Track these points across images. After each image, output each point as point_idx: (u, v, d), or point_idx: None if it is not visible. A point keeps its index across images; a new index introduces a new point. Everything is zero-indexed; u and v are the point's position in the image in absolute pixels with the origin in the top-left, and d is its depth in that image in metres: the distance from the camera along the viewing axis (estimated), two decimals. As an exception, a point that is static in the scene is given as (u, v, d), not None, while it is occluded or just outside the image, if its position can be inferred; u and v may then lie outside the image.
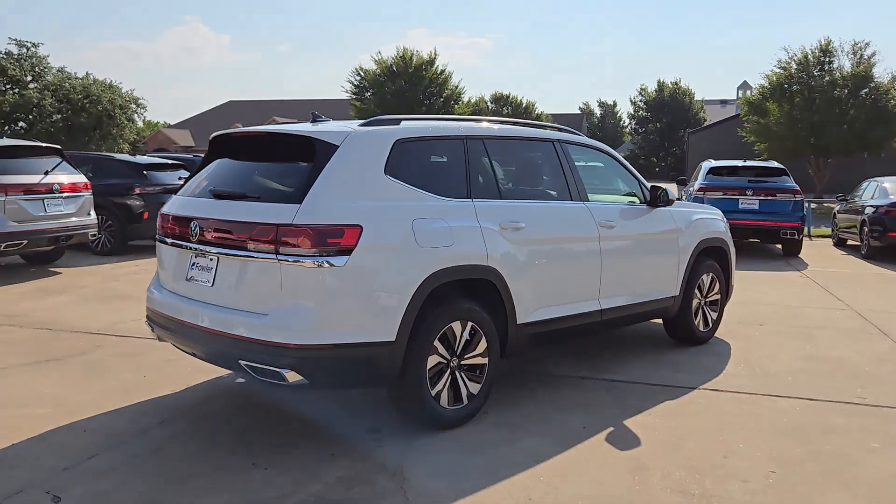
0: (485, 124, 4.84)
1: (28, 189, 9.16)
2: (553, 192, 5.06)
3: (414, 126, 4.36)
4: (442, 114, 40.50)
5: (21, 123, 29.19)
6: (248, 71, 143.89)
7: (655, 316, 5.97)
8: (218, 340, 3.89)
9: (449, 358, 4.17)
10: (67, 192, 9.63)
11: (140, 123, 37.23)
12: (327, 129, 4.14)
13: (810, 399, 4.86)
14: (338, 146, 3.94)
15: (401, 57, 40.68)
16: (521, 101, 62.46)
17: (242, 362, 3.77)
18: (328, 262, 3.67)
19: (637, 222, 5.56)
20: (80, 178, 10.02)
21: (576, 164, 5.30)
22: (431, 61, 41.10)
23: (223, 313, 3.89)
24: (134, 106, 31.89)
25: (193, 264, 4.15)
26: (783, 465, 3.78)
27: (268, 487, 3.44)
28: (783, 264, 11.95)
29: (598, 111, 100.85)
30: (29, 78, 29.73)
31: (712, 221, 6.38)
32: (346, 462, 3.73)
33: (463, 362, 4.26)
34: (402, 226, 3.93)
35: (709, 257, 6.30)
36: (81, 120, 29.25)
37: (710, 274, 6.28)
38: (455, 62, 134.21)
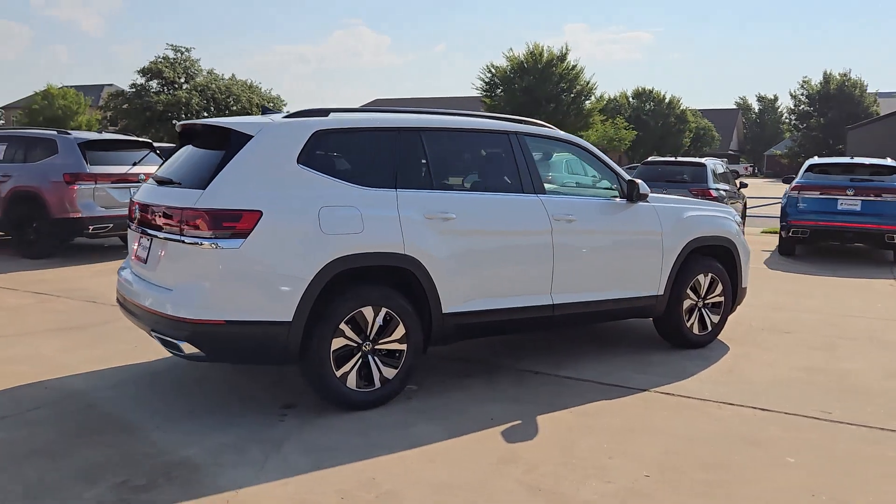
0: (427, 117, 4.91)
1: (116, 178, 10.21)
2: (501, 184, 5.03)
3: (339, 118, 4.52)
4: (571, 109, 40.01)
5: (174, 121, 32.13)
6: (403, 71, 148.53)
7: (634, 315, 5.76)
8: (141, 313, 4.28)
9: (360, 342, 4.32)
10: None
11: None
12: (250, 121, 4.41)
13: (765, 410, 4.53)
14: (252, 136, 4.20)
15: (531, 53, 40.54)
16: (663, 96, 60.14)
17: (153, 333, 4.14)
18: (223, 245, 3.94)
19: (606, 217, 5.39)
20: None
21: (550, 158, 5.25)
22: (563, 56, 40.64)
23: (146, 288, 4.28)
24: (272, 105, 34.13)
25: (139, 245, 4.58)
26: (665, 470, 3.61)
27: (145, 444, 3.76)
28: (884, 271, 10.87)
29: (756, 106, 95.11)
30: (182, 80, 32.71)
31: (712, 219, 6.03)
32: (238, 431, 3.99)
33: (378, 347, 4.39)
34: (307, 213, 4.13)
35: (708, 257, 5.97)
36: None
37: (710, 275, 5.94)
38: (609, 57, 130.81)
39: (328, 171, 4.32)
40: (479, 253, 4.72)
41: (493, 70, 41.82)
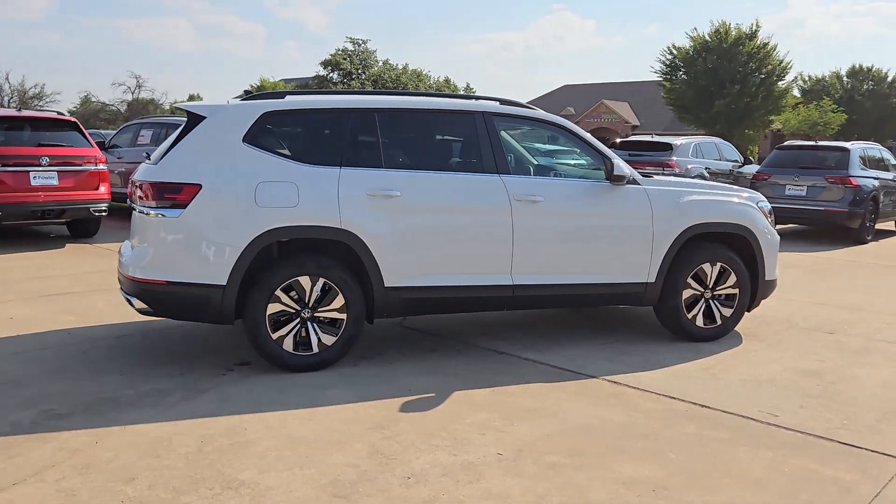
0: (384, 97, 5.10)
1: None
2: (460, 164, 5.10)
3: (291, 100, 4.86)
4: (760, 91, 37.12)
5: None
6: (609, 54, 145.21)
7: (620, 301, 5.56)
8: (119, 275, 4.94)
9: (298, 308, 4.65)
10: None
11: None
12: (211, 103, 4.87)
13: (703, 406, 4.26)
14: (205, 117, 4.67)
15: (716, 31, 38.00)
16: (885, 74, 53.60)
17: (121, 290, 4.77)
18: (165, 214, 4.46)
19: (582, 199, 5.25)
20: None
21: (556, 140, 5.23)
22: (752, 34, 37.65)
23: (125, 253, 4.92)
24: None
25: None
26: (521, 452, 3.58)
27: (97, 384, 4.38)
28: None
29: None
30: (360, 70, 34.77)
31: (720, 204, 5.61)
32: (179, 379, 4.50)
33: (317, 314, 4.70)
34: (244, 187, 4.52)
35: (718, 245, 5.58)
36: None
37: (719, 264, 5.55)
38: (847, 32, 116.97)
39: (274, 149, 4.68)
40: (427, 230, 4.85)
41: (674, 51, 39.78)
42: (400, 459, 3.47)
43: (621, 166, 5.18)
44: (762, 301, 5.96)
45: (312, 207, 4.61)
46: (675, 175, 13.05)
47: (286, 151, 4.73)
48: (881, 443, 3.78)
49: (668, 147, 13.79)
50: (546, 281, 5.16)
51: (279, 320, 4.63)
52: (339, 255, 4.75)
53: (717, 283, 5.60)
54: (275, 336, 4.62)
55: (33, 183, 9.26)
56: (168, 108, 55.60)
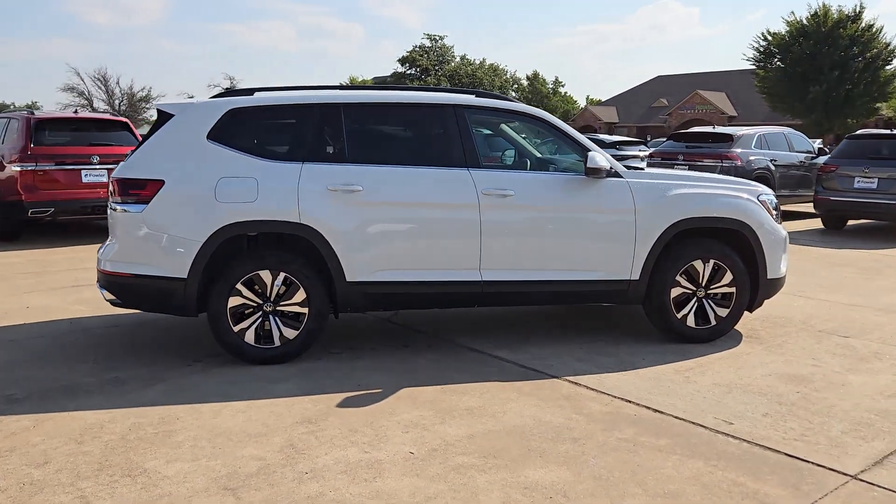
0: (351, 92, 5.09)
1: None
2: (427, 158, 5.01)
3: (257, 97, 4.92)
4: (864, 77, 34.81)
5: None
6: (709, 44, 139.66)
7: (600, 299, 5.34)
8: None
9: (259, 302, 4.73)
10: None
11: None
12: (181, 102, 5.00)
13: (658, 412, 4.04)
14: (173, 115, 4.81)
15: (814, 15, 35.88)
16: None
17: (97, 283, 4.98)
18: (130, 209, 4.63)
19: (557, 193, 5.07)
20: None
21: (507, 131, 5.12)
22: (855, 16, 35.32)
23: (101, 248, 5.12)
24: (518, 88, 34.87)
25: None
26: (435, 451, 3.50)
27: (68, 372, 4.60)
28: None
29: None
30: (436, 66, 34.89)
31: (712, 198, 5.27)
32: (143, 370, 4.66)
33: (279, 308, 4.76)
34: (206, 182, 4.63)
35: (711, 240, 5.28)
36: None
37: (712, 261, 5.24)
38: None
39: (236, 145, 4.76)
40: (390, 225, 4.83)
41: (768, 37, 37.86)
42: (309, 454, 3.46)
43: (596, 159, 4.96)
44: (769, 300, 5.60)
45: (271, 202, 4.66)
46: (736, 168, 12.44)
47: (249, 147, 4.80)
48: (834, 457, 3.47)
49: (728, 138, 13.12)
50: (518, 277, 5.03)
51: (242, 313, 4.72)
52: (302, 249, 4.78)
53: (711, 281, 5.29)
54: (236, 329, 4.71)
55: (84, 180, 9.83)
56: None
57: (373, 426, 3.80)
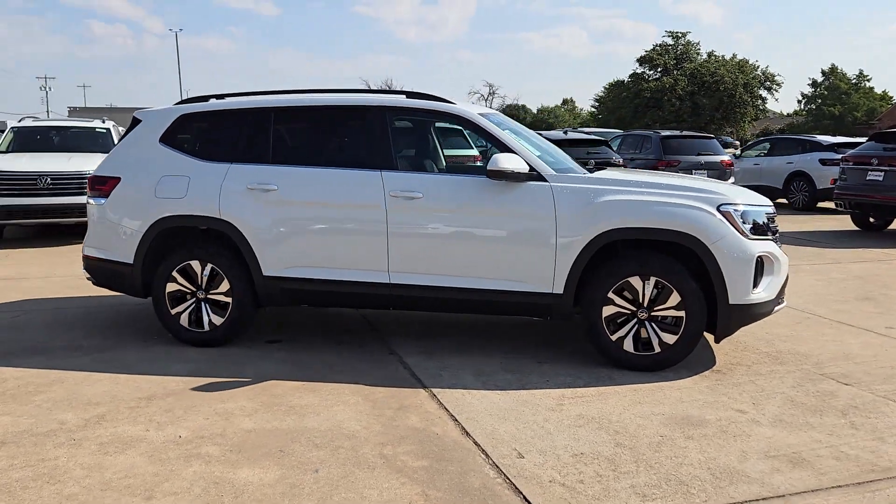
0: (283, 97, 5.32)
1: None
2: (344, 159, 5.06)
3: (208, 104, 5.39)
4: None
5: (658, 110, 32.52)
6: None
7: (523, 312, 4.94)
8: None
9: (193, 290, 5.21)
10: None
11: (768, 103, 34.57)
12: (151, 109, 5.62)
13: (466, 434, 3.74)
14: (141, 121, 5.49)
15: None
16: None
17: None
18: (94, 202, 5.40)
19: (469, 196, 4.80)
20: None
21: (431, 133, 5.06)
22: None
23: None
24: (770, 83, 31.34)
25: None
26: (245, 445, 3.66)
27: (43, 337, 5.50)
28: None
29: None
30: (674, 65, 32.74)
31: (648, 206, 4.58)
32: (99, 342, 5.40)
33: (209, 296, 5.21)
34: (150, 180, 5.23)
35: (657, 254, 4.64)
36: (703, 101, 30.73)
37: (653, 279, 4.60)
38: None
39: (182, 147, 5.29)
40: (302, 223, 5.00)
41: None
42: (105, 424, 3.82)
43: (498, 161, 4.62)
44: (740, 328, 4.74)
45: (196, 199, 5.11)
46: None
47: (191, 149, 5.29)
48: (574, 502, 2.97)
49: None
50: (428, 282, 4.88)
51: (180, 298, 5.23)
52: (227, 243, 5.16)
53: (654, 302, 4.63)
54: (173, 312, 5.24)
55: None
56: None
57: (190, 409, 4.05)
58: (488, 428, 3.80)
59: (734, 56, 32.13)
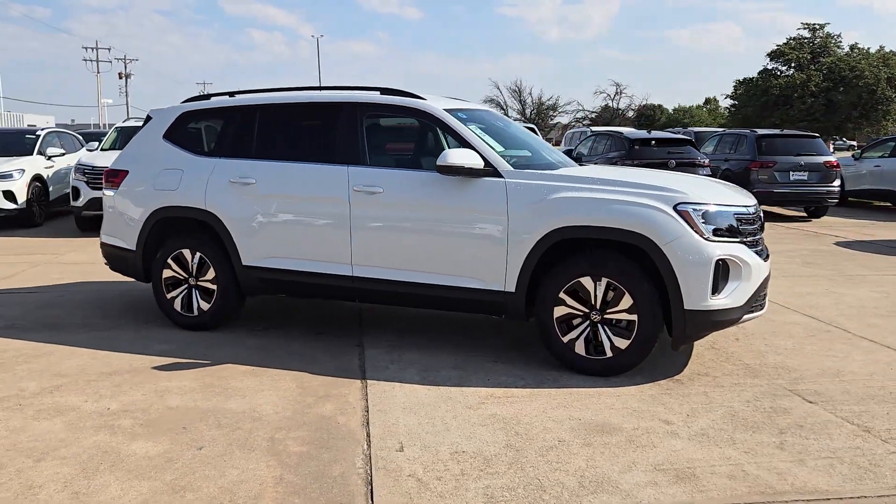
0: (268, 95, 5.54)
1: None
2: (317, 154, 5.19)
3: (207, 102, 5.72)
4: None
5: (788, 108, 30.15)
6: None
7: (477, 309, 4.87)
8: None
9: (185, 276, 5.58)
10: None
11: None
12: (163, 108, 6.03)
13: (364, 424, 3.79)
14: (151, 118, 5.93)
15: None
16: None
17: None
18: (108, 193, 5.89)
19: (425, 192, 4.80)
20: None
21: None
22: None
23: None
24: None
25: None
26: (119, 410, 3.95)
27: (67, 315, 6.07)
28: None
29: None
30: (809, 58, 30.21)
31: (598, 203, 4.38)
32: (112, 322, 5.88)
33: (199, 283, 5.55)
34: (151, 173, 5.64)
35: (608, 255, 4.45)
36: (839, 98, 28.16)
37: (605, 280, 4.42)
38: None
39: (181, 143, 5.66)
40: (276, 216, 5.22)
41: None
42: (57, 393, 4.20)
43: (448, 156, 4.58)
44: (703, 337, 4.44)
45: (186, 191, 5.45)
46: None
47: (188, 145, 5.65)
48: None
49: None
50: (387, 276, 4.94)
51: (174, 283, 5.61)
52: (212, 233, 5.47)
53: (607, 304, 4.45)
54: (168, 296, 5.62)
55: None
56: (631, 114, 57.05)
57: (136, 385, 4.35)
58: (392, 420, 3.82)
59: (881, 48, 29.15)
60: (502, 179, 4.65)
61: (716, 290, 4.30)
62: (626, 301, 4.38)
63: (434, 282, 4.82)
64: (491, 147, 4.86)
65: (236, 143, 5.49)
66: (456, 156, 4.60)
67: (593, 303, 4.47)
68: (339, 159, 5.08)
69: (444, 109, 5.02)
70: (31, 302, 6.55)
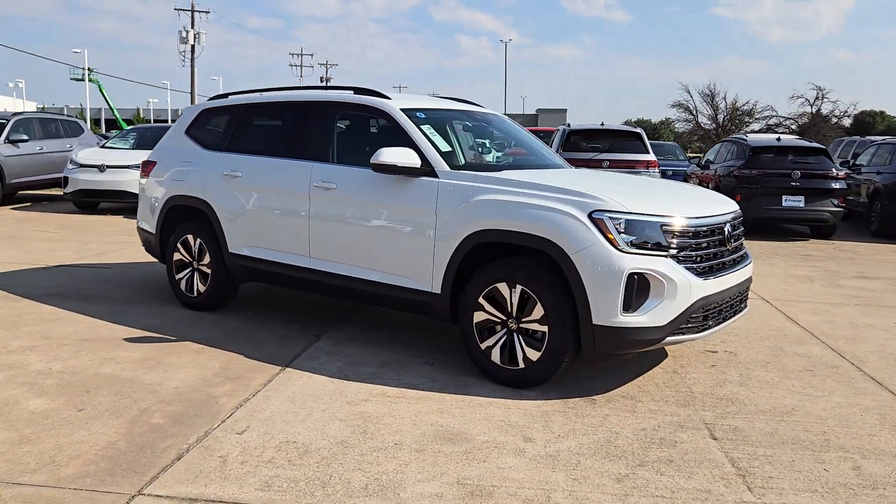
0: (262, 94, 5.87)
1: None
2: (293, 150, 5.39)
3: (223, 100, 6.18)
4: None
5: None
6: None
7: (409, 308, 4.84)
8: None
9: (189, 260, 6.09)
10: None
11: None
12: (192, 105, 6.57)
13: (230, 416, 3.97)
14: (181, 115, 6.51)
15: None
16: None
17: None
18: (142, 182, 6.56)
19: (369, 189, 4.85)
20: None
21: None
22: None
23: None
24: None
25: None
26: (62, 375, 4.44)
27: (99, 286, 6.83)
28: None
29: None
30: None
31: (513, 207, 4.20)
32: (141, 296, 6.55)
33: (199, 267, 6.04)
34: (171, 165, 6.21)
35: (525, 261, 4.28)
36: None
37: (519, 287, 4.24)
38: None
39: (198, 138, 6.17)
40: (255, 207, 5.55)
41: None
42: (39, 356, 4.78)
43: (381, 155, 4.58)
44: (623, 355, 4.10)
45: (191, 183, 5.95)
46: None
47: (203, 140, 6.14)
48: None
49: None
50: (336, 270, 5.07)
51: (181, 266, 6.14)
52: (208, 221, 5.90)
53: (523, 312, 4.27)
54: (177, 277, 6.17)
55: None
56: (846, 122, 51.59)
57: (91, 351, 4.85)
58: (265, 406, 3.96)
59: None
60: (437, 180, 4.61)
61: (629, 306, 3.96)
62: (539, 311, 4.17)
63: (373, 278, 4.88)
64: (436, 147, 4.82)
65: (233, 138, 5.89)
66: (389, 154, 4.62)
67: (510, 310, 4.30)
68: (310, 156, 5.29)
69: (402, 109, 5.05)
70: (98, 276, 7.43)
